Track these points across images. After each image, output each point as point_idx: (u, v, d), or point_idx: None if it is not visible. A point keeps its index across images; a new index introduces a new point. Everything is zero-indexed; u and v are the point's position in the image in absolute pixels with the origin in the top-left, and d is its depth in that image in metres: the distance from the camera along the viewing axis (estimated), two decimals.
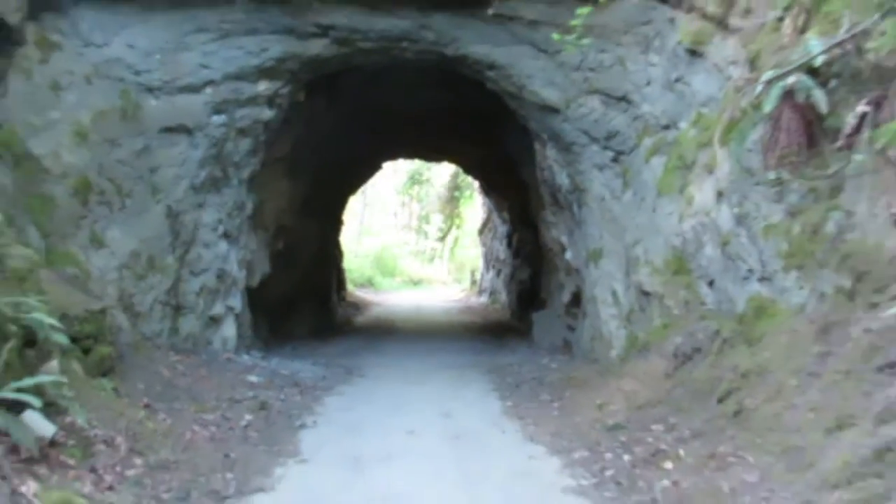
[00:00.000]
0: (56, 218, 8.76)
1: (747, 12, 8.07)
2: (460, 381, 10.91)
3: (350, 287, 25.83)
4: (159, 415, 7.11)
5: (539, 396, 9.59)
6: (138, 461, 5.71)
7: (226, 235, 11.26)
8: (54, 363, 5.62)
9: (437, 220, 41.41)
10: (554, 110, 10.78)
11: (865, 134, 5.97)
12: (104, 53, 9.82)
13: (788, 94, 6.56)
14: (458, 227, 38.73)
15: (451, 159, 24.03)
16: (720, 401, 6.41)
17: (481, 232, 29.19)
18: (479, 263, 30.04)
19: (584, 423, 7.78)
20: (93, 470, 5.18)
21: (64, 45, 9.47)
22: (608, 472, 6.22)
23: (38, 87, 9.07)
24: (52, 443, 5.03)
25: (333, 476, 6.28)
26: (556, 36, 9.13)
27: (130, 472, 5.48)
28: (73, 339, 6.44)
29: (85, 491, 4.82)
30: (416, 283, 36.87)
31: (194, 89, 10.36)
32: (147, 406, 7.18)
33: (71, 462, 5.07)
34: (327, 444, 7.29)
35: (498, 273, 25.23)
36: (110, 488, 5.09)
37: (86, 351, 6.94)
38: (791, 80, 6.53)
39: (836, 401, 4.97)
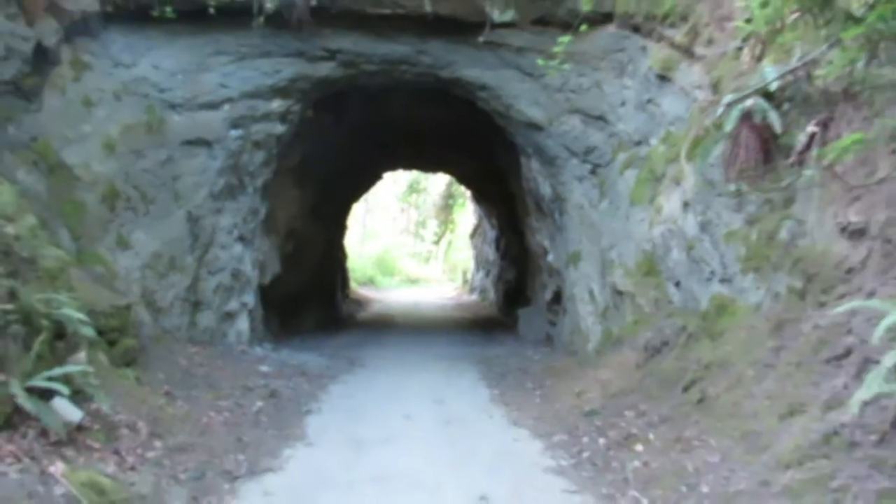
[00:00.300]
0: (86, 222, 8.73)
1: (710, 42, 8.09)
2: (452, 371, 10.89)
3: (353, 285, 25.74)
4: (178, 401, 7.08)
5: (523, 385, 9.58)
6: (158, 444, 5.68)
7: (241, 238, 11.22)
8: (82, 354, 5.59)
9: (433, 225, 41.39)
10: (538, 127, 10.78)
11: (814, 151, 5.99)
12: (132, 73, 9.80)
13: (747, 116, 6.57)
14: (452, 231, 38.67)
15: (446, 170, 24.02)
16: (685, 389, 6.41)
17: (472, 236, 29.16)
18: (471, 264, 30.00)
19: (563, 410, 7.77)
20: (116, 452, 5.16)
21: (95, 65, 9.45)
22: (585, 454, 6.22)
23: (72, 102, 9.04)
24: (79, 427, 5.00)
25: (337, 457, 6.27)
26: (540, 61, 9.14)
27: (151, 454, 5.45)
28: (100, 333, 6.42)
29: (109, 471, 4.79)
30: (413, 281, 36.77)
31: (214, 106, 10.34)
32: (167, 393, 7.15)
33: (96, 445, 5.04)
34: (331, 427, 7.27)
35: (487, 273, 25.21)
36: (132, 468, 5.06)
37: (111, 343, 6.92)
38: (749, 102, 6.54)
39: (789, 390, 4.97)
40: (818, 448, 4.20)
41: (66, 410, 4.91)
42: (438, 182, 36.28)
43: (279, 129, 11.09)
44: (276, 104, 10.83)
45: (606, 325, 9.85)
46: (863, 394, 3.77)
